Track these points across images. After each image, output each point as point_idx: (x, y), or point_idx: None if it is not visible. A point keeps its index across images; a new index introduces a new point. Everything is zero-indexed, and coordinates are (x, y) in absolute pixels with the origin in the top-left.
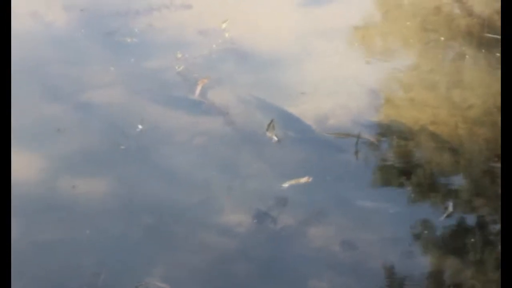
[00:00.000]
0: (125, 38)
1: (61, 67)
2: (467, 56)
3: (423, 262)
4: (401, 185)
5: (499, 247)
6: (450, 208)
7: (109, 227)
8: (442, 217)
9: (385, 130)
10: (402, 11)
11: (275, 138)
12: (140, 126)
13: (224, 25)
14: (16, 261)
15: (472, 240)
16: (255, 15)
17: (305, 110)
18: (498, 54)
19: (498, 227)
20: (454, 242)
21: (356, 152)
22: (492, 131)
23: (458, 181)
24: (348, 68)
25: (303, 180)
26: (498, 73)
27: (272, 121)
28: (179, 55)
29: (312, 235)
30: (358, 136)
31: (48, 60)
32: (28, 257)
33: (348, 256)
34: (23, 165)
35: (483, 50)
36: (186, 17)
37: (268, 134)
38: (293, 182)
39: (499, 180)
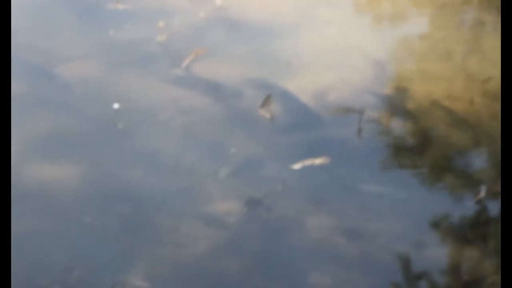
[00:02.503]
0: (101, 5)
1: (29, 37)
2: (485, 22)
3: (438, 253)
4: (411, 167)
5: None
6: (482, 193)
7: (83, 218)
8: (472, 201)
9: (393, 106)
10: None
11: (268, 116)
12: (116, 105)
13: None
14: None
15: (493, 228)
16: None
17: (303, 84)
18: None
19: None
20: (473, 230)
21: (359, 131)
22: None
23: (477, 163)
24: (351, 37)
25: (319, 160)
26: None
27: (268, 96)
28: (161, 24)
29: (311, 225)
30: (361, 113)
31: (14, 30)
32: None
33: (353, 248)
34: None
35: None
36: None
37: (262, 111)
38: (307, 162)
39: None
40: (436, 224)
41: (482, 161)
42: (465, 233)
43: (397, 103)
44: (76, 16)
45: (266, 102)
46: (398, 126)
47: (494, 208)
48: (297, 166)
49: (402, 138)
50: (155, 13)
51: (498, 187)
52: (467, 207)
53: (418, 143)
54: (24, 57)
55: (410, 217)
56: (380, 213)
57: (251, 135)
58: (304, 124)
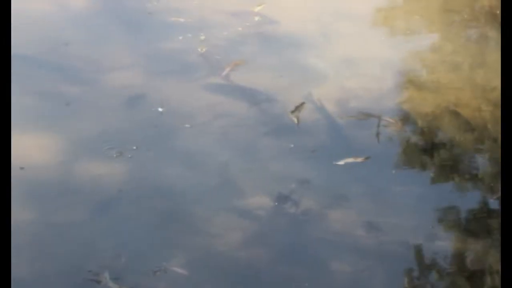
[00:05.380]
0: (147, 19)
1: (79, 48)
2: (490, 37)
3: (447, 245)
4: (423, 166)
5: None
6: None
7: (127, 211)
8: (493, 198)
9: (407, 112)
10: None
11: (296, 121)
12: (160, 109)
13: (257, 8)
14: (34, 243)
15: (496, 223)
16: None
17: (327, 92)
18: None
19: None
20: (478, 225)
21: (377, 134)
22: None
23: (482, 163)
24: (370, 50)
25: (360, 159)
26: None
27: (302, 103)
28: (202, 37)
29: (333, 219)
30: (380, 118)
31: (65, 41)
32: (45, 239)
33: (371, 239)
34: (40, 148)
35: None
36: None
37: (291, 116)
38: (350, 160)
39: None
40: (444, 218)
41: (486, 161)
42: (470, 226)
43: (410, 109)
44: (124, 28)
45: (298, 108)
46: (412, 130)
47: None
48: (340, 162)
49: (415, 141)
50: (197, 26)
51: None
52: (472, 203)
53: (429, 145)
54: (77, 65)
55: (421, 211)
56: (395, 208)
57: (280, 136)
58: (328, 127)
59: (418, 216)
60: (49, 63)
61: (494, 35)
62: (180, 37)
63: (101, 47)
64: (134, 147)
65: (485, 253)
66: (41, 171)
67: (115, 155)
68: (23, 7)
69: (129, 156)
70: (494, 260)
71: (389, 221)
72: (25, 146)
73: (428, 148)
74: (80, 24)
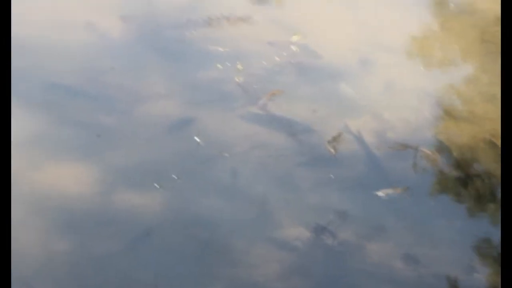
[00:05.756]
0: (184, 48)
1: (117, 78)
2: None
3: (484, 279)
4: (460, 197)
5: None
6: None
7: (166, 241)
8: None
9: (444, 143)
10: (460, 21)
11: (333, 151)
12: (197, 139)
13: (295, 38)
14: (72, 273)
15: None
16: (317, 30)
17: (364, 122)
18: None
19: None
20: None
21: (415, 165)
22: None
23: None
24: (406, 80)
25: (399, 190)
26: None
27: (340, 133)
28: (240, 67)
29: (371, 250)
30: (417, 149)
31: (104, 71)
32: (84, 270)
33: (409, 271)
34: (78, 178)
35: None
36: (245, 29)
37: (329, 146)
38: (389, 191)
39: None
40: (481, 251)
41: None
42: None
43: (447, 140)
44: (161, 57)
45: (335, 138)
46: (448, 161)
47: None
48: (379, 193)
49: (452, 172)
50: (234, 56)
51: None
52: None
53: (465, 176)
54: (114, 95)
55: (459, 243)
56: (433, 240)
57: (318, 167)
58: (365, 158)
59: (456, 248)
60: (87, 93)
61: None
62: (218, 67)
63: (139, 76)
64: (172, 177)
65: None
66: (80, 201)
67: (153, 186)
68: (61, 37)
69: (167, 186)
70: None
71: (427, 253)
72: (62, 176)
73: (465, 179)
74: (118, 54)
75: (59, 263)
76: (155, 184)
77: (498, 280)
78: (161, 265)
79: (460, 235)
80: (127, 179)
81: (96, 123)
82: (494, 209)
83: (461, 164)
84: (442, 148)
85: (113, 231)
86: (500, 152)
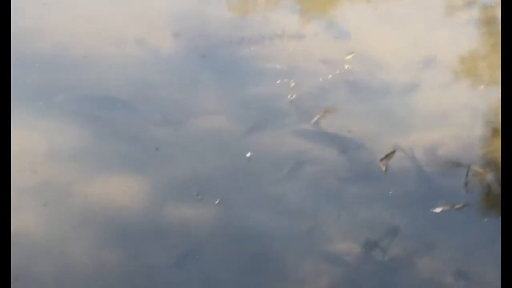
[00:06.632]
0: (238, 64)
1: (169, 93)
2: None
3: None
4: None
5: None
6: None
7: (217, 255)
8: None
9: (495, 161)
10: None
11: (384, 168)
12: (249, 154)
13: (348, 57)
14: (122, 285)
15: None
16: (369, 47)
17: (415, 140)
18: None
19: None
20: None
21: (466, 184)
22: None
23: None
24: (457, 98)
25: (458, 206)
26: None
27: (393, 151)
28: (292, 84)
29: (421, 266)
30: (469, 167)
31: (156, 86)
32: (134, 282)
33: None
34: (129, 191)
35: None
36: (295, 47)
37: (381, 164)
38: (447, 207)
39: None
40: None
41: None
42: None
43: (498, 159)
44: (215, 73)
45: (388, 156)
46: (497, 179)
47: None
48: (437, 210)
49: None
50: (287, 73)
51: None
52: None
53: None
54: (163, 110)
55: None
56: (483, 258)
57: (369, 184)
58: (417, 175)
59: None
60: (139, 107)
61: None
62: (271, 83)
63: (191, 92)
64: (223, 192)
65: None
66: (131, 214)
67: (204, 199)
68: (115, 52)
69: (218, 200)
70: None
71: (478, 271)
72: (114, 189)
73: None
74: (170, 69)
75: (110, 275)
76: (202, 198)
77: None
78: (211, 279)
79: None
80: (179, 192)
81: (147, 137)
82: None
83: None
84: (492, 166)
85: (164, 245)
86: None
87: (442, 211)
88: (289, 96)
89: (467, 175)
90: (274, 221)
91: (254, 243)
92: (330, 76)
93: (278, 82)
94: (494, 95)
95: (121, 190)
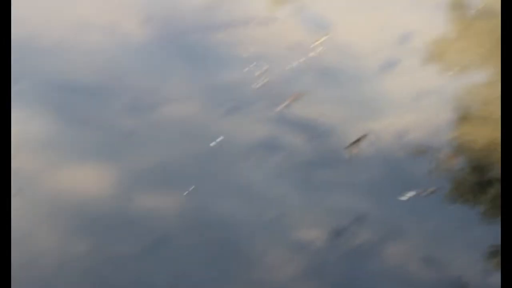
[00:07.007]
0: (207, 51)
1: (139, 80)
2: None
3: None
4: (477, 202)
5: None
6: None
7: (183, 242)
8: None
9: (463, 146)
10: (479, 25)
11: (353, 154)
12: (218, 139)
13: (320, 40)
14: (89, 275)
15: None
16: (341, 32)
17: (385, 125)
18: None
19: None
20: None
21: (432, 170)
22: None
23: None
24: (427, 83)
25: (425, 193)
26: None
27: (361, 137)
28: (263, 69)
29: (389, 253)
30: (436, 153)
31: (125, 72)
32: (101, 272)
33: (426, 274)
34: (97, 180)
35: None
36: (264, 33)
37: (350, 149)
38: (415, 194)
39: None
40: (494, 254)
41: None
42: None
43: (465, 144)
44: (184, 60)
45: (356, 141)
46: (466, 164)
47: None
48: (405, 196)
49: (469, 176)
50: (258, 58)
51: None
52: None
53: (483, 180)
54: (132, 97)
55: (476, 248)
56: (450, 244)
57: (338, 170)
58: (385, 161)
59: (472, 252)
60: (106, 94)
61: None
62: (241, 69)
63: (160, 78)
64: (190, 180)
65: None
66: (98, 203)
67: (171, 188)
68: (82, 38)
69: (186, 189)
70: None
71: (445, 257)
72: (80, 178)
73: (482, 183)
74: (139, 56)
75: (77, 265)
76: (170, 186)
77: None
78: (178, 268)
79: (476, 239)
80: (147, 181)
81: (116, 125)
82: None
83: (478, 168)
84: (460, 151)
85: (131, 234)
86: None
87: (410, 198)
88: (257, 83)
89: (434, 161)
90: (242, 208)
91: (221, 231)
92: (300, 61)
93: (247, 68)
94: (463, 80)
95: (89, 179)
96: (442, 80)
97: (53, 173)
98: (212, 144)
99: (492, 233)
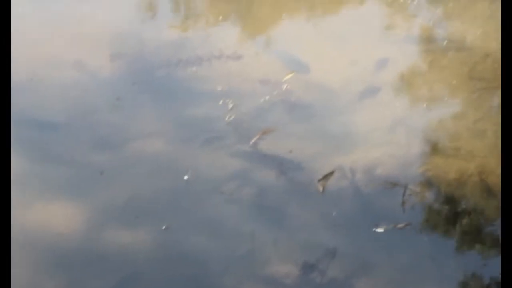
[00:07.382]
0: (176, 87)
1: (108, 116)
2: None
3: None
4: (448, 234)
5: None
6: None
7: (155, 278)
8: None
9: (432, 180)
10: (449, 58)
11: (322, 189)
12: (186, 176)
13: (286, 77)
14: None
15: None
16: (308, 68)
17: (354, 160)
18: None
19: None
20: None
21: (403, 203)
22: None
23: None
24: (394, 117)
25: (401, 225)
26: None
27: (331, 172)
28: (231, 105)
29: (361, 287)
30: (405, 187)
31: (94, 109)
32: None
33: None
34: (68, 216)
35: None
36: (234, 68)
37: (319, 184)
38: (389, 227)
39: None
40: (467, 286)
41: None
42: None
43: (435, 177)
44: (152, 96)
45: (326, 177)
46: (436, 198)
47: None
48: (379, 229)
49: (440, 209)
50: (225, 95)
51: None
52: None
53: (453, 213)
54: (102, 133)
55: (447, 280)
56: (420, 276)
57: (307, 205)
58: (354, 196)
59: (444, 285)
60: (76, 131)
61: None
62: (209, 105)
63: (129, 114)
64: (161, 215)
65: None
66: (69, 240)
67: (142, 224)
68: (50, 75)
69: (157, 224)
70: None
71: None
72: (52, 215)
73: (452, 216)
74: (110, 92)
75: None
76: (141, 222)
77: None
78: None
79: (448, 271)
80: (117, 217)
81: (86, 161)
82: (481, 247)
83: (449, 201)
84: (430, 184)
85: (103, 270)
86: (487, 188)
87: (382, 231)
88: (227, 117)
89: (404, 195)
90: (213, 244)
91: (193, 266)
92: (268, 97)
93: (216, 104)
94: (433, 112)
95: (59, 216)
96: (413, 112)
97: (23, 211)
98: (183, 178)
99: (464, 265)
